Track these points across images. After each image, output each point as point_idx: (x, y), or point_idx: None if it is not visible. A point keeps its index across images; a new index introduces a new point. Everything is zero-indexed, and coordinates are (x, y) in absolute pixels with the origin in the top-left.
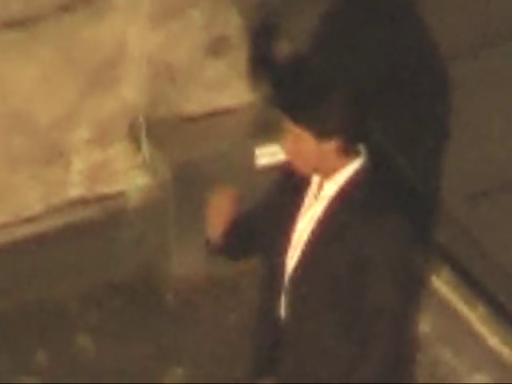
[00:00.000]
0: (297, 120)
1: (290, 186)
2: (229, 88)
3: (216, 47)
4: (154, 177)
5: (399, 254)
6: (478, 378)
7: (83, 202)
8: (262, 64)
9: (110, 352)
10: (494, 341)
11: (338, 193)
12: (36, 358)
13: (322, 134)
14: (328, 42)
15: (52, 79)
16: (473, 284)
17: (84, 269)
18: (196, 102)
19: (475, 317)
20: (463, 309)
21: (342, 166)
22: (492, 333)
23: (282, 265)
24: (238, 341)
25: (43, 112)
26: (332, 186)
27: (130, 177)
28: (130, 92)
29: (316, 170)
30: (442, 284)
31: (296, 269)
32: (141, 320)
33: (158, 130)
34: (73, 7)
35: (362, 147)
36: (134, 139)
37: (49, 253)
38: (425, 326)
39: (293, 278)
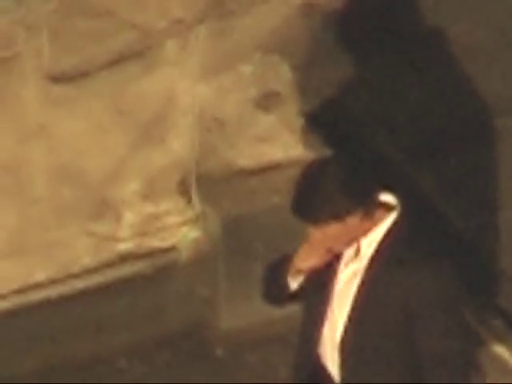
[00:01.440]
0: (312, 221)
1: None
2: (279, 142)
3: (266, 101)
4: (204, 231)
5: (447, 300)
6: None
7: (133, 256)
8: (312, 118)
9: None
10: None
11: (377, 249)
12: None
13: (338, 216)
14: (374, 96)
15: (102, 133)
16: None
17: (133, 323)
18: (246, 155)
19: None
20: None
21: (376, 223)
22: None
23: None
24: None
25: (93, 166)
26: (370, 244)
27: (181, 231)
28: (180, 146)
29: (352, 241)
30: (502, 349)
31: (346, 330)
32: (190, 374)
33: (208, 184)
34: (123, 61)
35: (395, 200)
36: (185, 193)
37: (98, 307)
38: None
39: (344, 338)
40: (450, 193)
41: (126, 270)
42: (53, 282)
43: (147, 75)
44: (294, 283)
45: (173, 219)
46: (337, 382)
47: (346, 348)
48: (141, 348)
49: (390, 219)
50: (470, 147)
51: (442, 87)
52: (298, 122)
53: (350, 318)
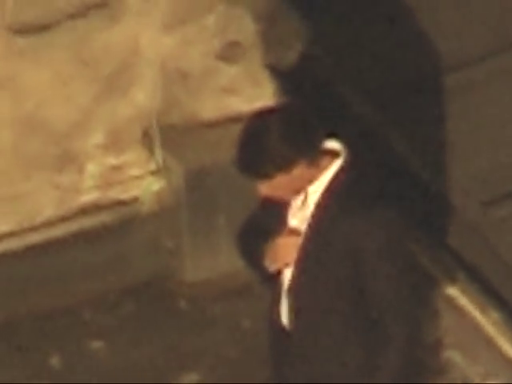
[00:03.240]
0: (258, 175)
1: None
2: (242, 93)
3: (229, 53)
4: (167, 182)
5: (394, 243)
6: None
7: (97, 207)
8: (275, 69)
9: (124, 357)
10: (507, 347)
11: (323, 195)
12: (50, 363)
13: (283, 168)
14: (340, 46)
15: (66, 84)
16: (487, 290)
17: (97, 274)
18: (209, 107)
19: (489, 323)
20: (477, 315)
21: (322, 171)
22: (505, 338)
23: (279, 272)
24: (251, 346)
25: (57, 117)
26: (316, 191)
27: (144, 182)
28: (144, 97)
29: (300, 190)
30: (455, 290)
31: (294, 275)
32: (154, 325)
33: (171, 136)
34: (87, 12)
35: (340, 146)
36: (148, 145)
37: (62, 258)
38: (438, 332)
39: (292, 285)
40: (401, 134)
41: (89, 221)
42: (17, 233)
43: (111, 26)
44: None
45: (135, 171)
46: (287, 328)
47: (295, 294)
48: (104, 299)
49: (335, 166)
50: (423, 99)
51: (401, 42)
52: (262, 73)
53: (298, 265)
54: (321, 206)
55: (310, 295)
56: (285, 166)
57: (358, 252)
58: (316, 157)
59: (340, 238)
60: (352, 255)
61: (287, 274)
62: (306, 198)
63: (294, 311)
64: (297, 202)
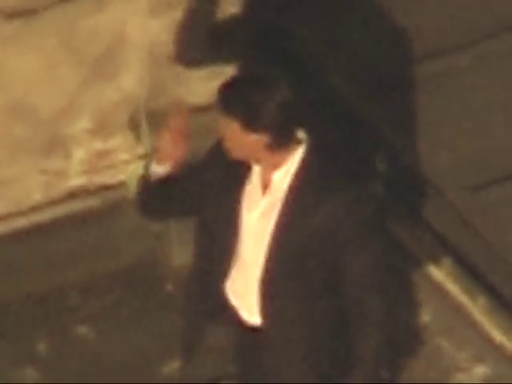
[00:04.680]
0: (228, 107)
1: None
2: None
3: None
4: None
5: (373, 226)
6: (479, 369)
7: (83, 192)
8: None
9: (110, 342)
10: (494, 332)
11: (292, 184)
12: (36, 349)
13: (247, 125)
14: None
15: (53, 70)
16: (473, 275)
17: (84, 259)
18: (197, 92)
19: (476, 308)
20: (464, 300)
21: (286, 157)
22: (493, 324)
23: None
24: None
25: (44, 102)
26: (282, 178)
27: (131, 167)
28: (131, 82)
29: (253, 159)
30: (442, 275)
31: (266, 268)
32: (141, 309)
33: (158, 121)
34: None
35: (303, 134)
36: (135, 129)
37: (49, 243)
38: (426, 317)
39: (265, 279)
40: (385, 118)
41: (76, 206)
42: (4, 218)
43: (98, 11)
44: (159, 169)
45: (122, 156)
46: (252, 320)
47: (268, 285)
48: (91, 284)
49: (299, 152)
50: (408, 85)
51: (384, 27)
52: None
53: (271, 254)
54: (291, 194)
55: (284, 287)
56: (252, 124)
57: (336, 235)
58: (280, 139)
59: (316, 223)
60: (330, 239)
61: (258, 262)
62: (266, 185)
63: (268, 303)
64: (254, 189)
